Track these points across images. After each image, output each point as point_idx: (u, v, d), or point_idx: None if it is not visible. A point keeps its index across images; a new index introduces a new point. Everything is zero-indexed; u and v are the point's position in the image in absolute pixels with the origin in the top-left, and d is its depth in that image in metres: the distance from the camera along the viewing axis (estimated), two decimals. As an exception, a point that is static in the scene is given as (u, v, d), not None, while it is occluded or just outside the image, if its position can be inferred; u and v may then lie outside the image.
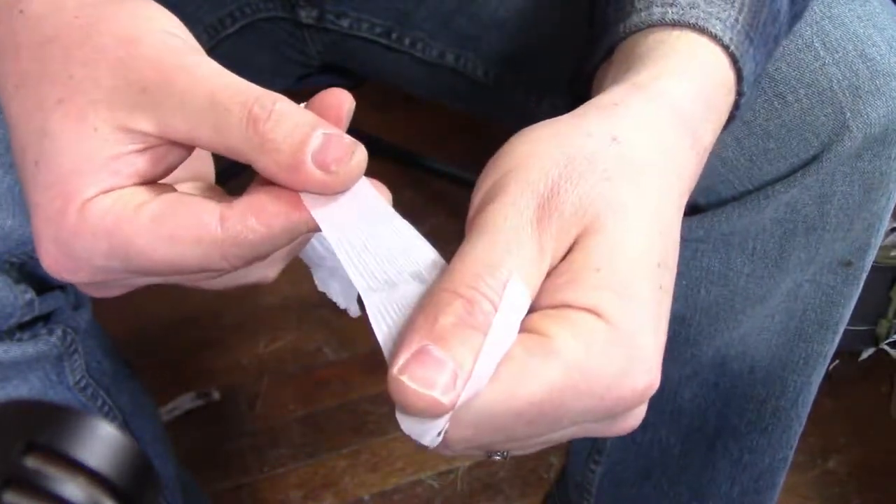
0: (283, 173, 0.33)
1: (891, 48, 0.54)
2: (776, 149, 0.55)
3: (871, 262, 0.63)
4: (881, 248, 0.64)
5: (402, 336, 0.33)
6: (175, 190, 0.37)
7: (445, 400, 0.31)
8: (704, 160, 0.40)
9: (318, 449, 1.16)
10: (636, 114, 0.38)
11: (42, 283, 0.58)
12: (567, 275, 0.34)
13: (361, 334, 1.28)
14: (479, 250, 0.34)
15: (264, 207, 0.34)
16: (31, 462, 0.23)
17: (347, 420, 1.19)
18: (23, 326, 0.57)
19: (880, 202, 0.58)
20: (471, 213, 0.36)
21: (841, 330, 0.66)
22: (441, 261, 0.36)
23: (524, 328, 0.33)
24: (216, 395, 1.21)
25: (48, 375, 0.60)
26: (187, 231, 0.34)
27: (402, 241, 0.36)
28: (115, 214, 0.34)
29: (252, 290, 1.33)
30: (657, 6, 0.42)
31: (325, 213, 0.35)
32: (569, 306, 0.33)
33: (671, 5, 0.42)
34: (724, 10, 0.42)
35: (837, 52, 0.53)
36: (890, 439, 1.17)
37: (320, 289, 0.48)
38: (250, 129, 0.33)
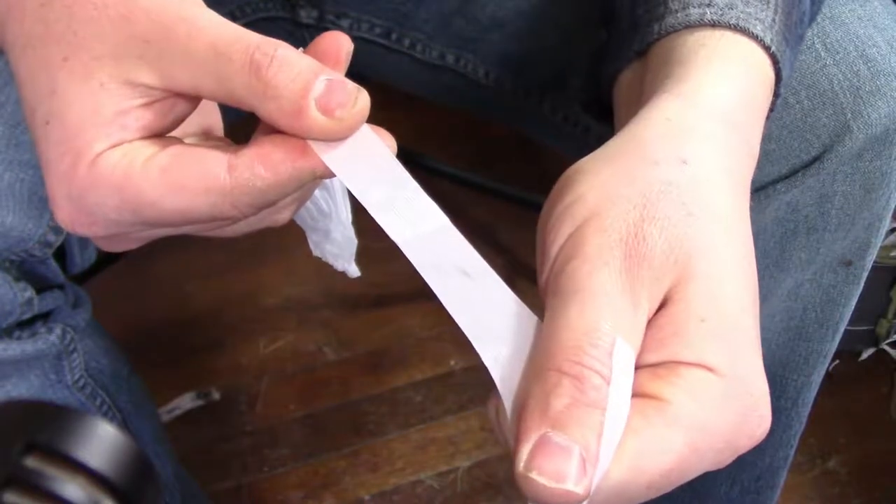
0: (287, 119, 0.34)
1: (891, 48, 0.54)
2: (777, 150, 0.55)
3: (871, 262, 0.63)
4: (881, 247, 0.64)
5: (515, 424, 0.32)
6: (182, 142, 0.37)
7: (580, 490, 0.29)
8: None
9: (318, 449, 1.16)
10: (696, 129, 0.37)
11: (41, 282, 0.58)
12: (670, 327, 0.33)
13: (361, 334, 1.28)
14: (573, 318, 0.32)
15: (271, 155, 0.34)
16: (31, 462, 0.23)
17: (347, 420, 1.19)
18: (22, 325, 0.57)
19: (881, 202, 0.58)
20: (545, 272, 0.35)
21: (841, 329, 0.66)
22: (460, 235, 0.35)
23: (634, 391, 0.32)
24: (216, 395, 1.21)
25: (47, 374, 0.60)
26: (196, 181, 0.34)
27: (422, 204, 0.35)
28: (125, 168, 0.34)
29: (252, 290, 1.33)
30: (694, 7, 0.41)
31: (334, 159, 0.35)
32: (678, 362, 0.32)
33: (708, 6, 0.41)
34: (762, 11, 0.41)
35: (838, 52, 0.53)
36: (890, 439, 1.17)
37: (315, 253, 0.48)
38: (252, 76, 0.33)
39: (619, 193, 0.34)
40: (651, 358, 0.33)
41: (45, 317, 0.59)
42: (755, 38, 0.40)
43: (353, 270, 0.48)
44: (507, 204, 1.25)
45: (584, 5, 0.61)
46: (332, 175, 0.35)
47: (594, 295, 0.32)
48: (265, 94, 0.33)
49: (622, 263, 0.33)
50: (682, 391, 0.32)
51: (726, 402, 0.32)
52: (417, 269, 0.34)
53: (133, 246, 0.40)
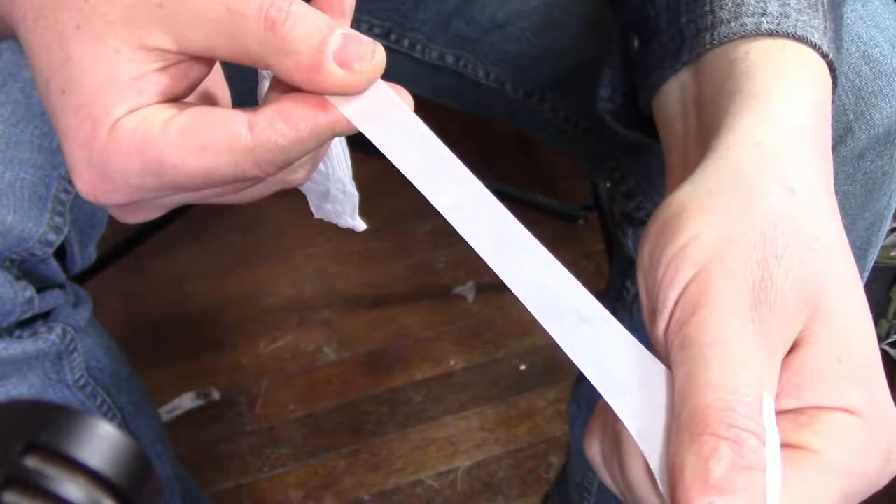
0: (305, 75, 0.34)
1: (893, 48, 0.54)
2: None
3: (872, 262, 0.63)
4: (881, 247, 0.64)
5: (669, 489, 0.31)
6: (200, 104, 0.36)
7: None
8: None
9: (318, 449, 1.16)
10: (791, 154, 0.36)
11: (42, 281, 0.58)
12: (806, 371, 0.32)
13: (361, 334, 1.28)
14: (714, 374, 0.31)
15: (291, 111, 0.34)
16: (31, 462, 0.23)
17: (347, 420, 1.19)
18: (22, 324, 0.57)
19: (882, 201, 0.58)
20: (664, 320, 0.34)
21: (842, 330, 0.66)
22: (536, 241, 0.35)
23: (780, 441, 0.31)
24: (216, 395, 1.21)
25: (47, 374, 0.60)
26: (218, 140, 0.34)
27: (453, 166, 0.35)
28: (145, 131, 0.34)
29: (252, 290, 1.33)
30: (747, 16, 0.40)
31: (354, 114, 0.34)
32: (819, 408, 0.32)
33: (763, 14, 0.40)
34: (815, 18, 0.40)
35: (840, 53, 0.53)
36: (890, 440, 1.16)
37: (317, 215, 0.47)
38: (268, 32, 0.33)
39: (736, 232, 0.33)
40: (789, 403, 0.32)
41: (45, 316, 0.59)
42: (814, 46, 0.39)
43: (359, 224, 0.48)
44: (507, 204, 1.25)
45: (587, 7, 0.61)
46: (352, 130, 0.35)
47: (733, 347, 0.31)
48: (282, 49, 0.33)
49: (751, 309, 0.32)
50: (830, 439, 0.31)
51: (872, 444, 0.32)
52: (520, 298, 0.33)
53: (153, 215, 0.40)
